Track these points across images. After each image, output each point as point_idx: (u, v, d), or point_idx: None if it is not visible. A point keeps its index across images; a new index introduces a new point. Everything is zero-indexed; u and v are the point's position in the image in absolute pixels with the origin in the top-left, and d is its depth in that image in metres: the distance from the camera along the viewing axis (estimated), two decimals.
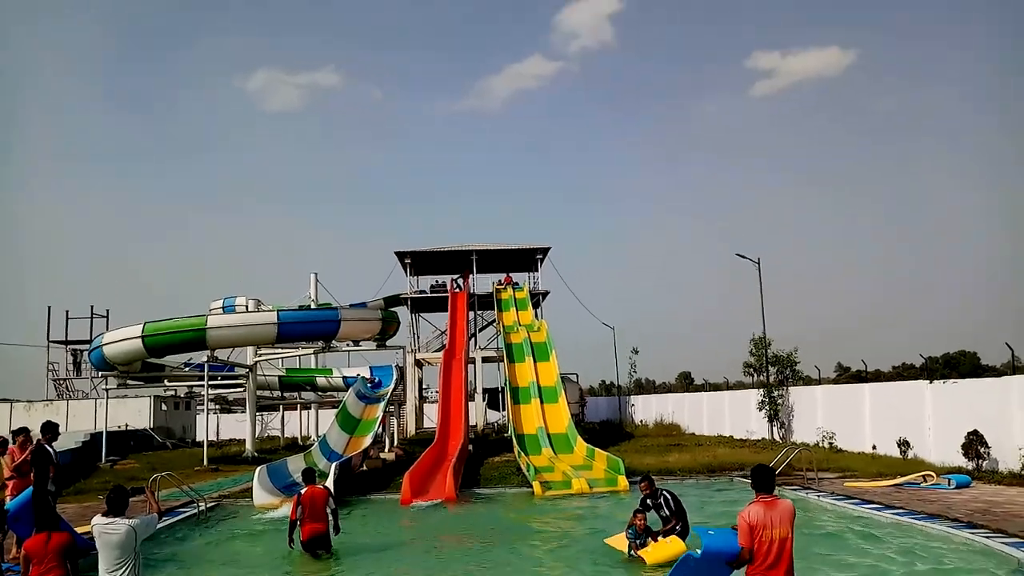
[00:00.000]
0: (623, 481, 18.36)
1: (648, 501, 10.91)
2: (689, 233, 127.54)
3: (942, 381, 20.37)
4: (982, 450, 17.94)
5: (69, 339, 43.05)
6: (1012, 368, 21.37)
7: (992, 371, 40.11)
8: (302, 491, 11.51)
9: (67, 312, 43.53)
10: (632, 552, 10.55)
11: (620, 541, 10.93)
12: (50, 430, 10.15)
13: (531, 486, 18.34)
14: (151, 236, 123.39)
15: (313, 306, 36.77)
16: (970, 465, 18.02)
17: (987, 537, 10.70)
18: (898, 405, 21.80)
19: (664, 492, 10.89)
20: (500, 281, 42.92)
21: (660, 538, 10.51)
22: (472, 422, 35.18)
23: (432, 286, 44.39)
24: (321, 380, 38.24)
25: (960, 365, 49.22)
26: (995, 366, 46.45)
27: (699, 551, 6.47)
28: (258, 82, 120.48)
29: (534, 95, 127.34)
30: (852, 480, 17.54)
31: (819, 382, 30.05)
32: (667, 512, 10.65)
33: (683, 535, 10.42)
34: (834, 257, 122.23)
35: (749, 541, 6.25)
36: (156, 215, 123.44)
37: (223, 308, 31.76)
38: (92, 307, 43.53)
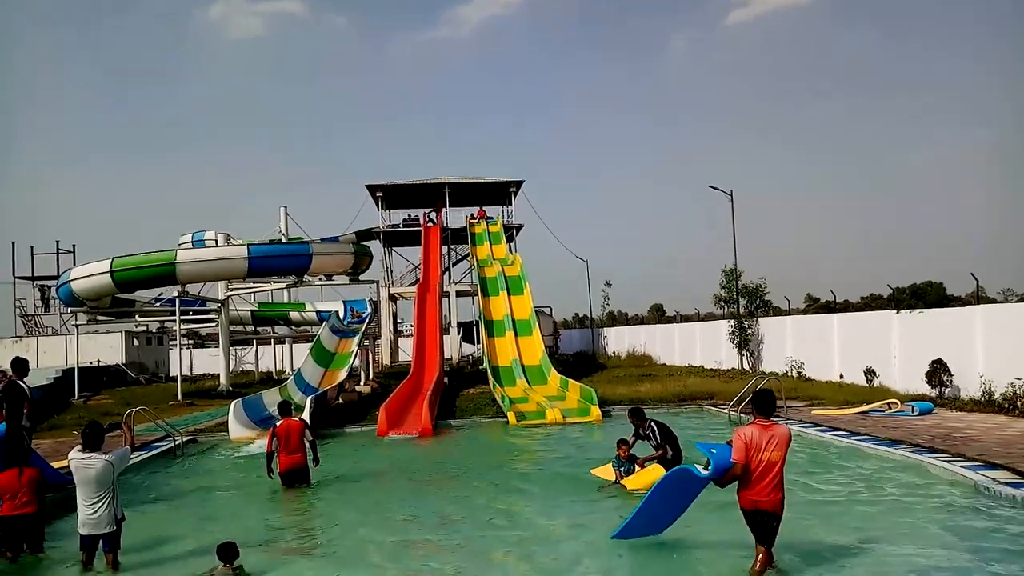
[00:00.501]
0: (596, 411, 18.68)
1: (639, 431, 11.09)
2: (663, 167, 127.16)
3: (908, 311, 20.77)
4: (945, 378, 18.44)
5: (36, 275, 42.26)
6: (976, 298, 21.85)
7: (957, 301, 41.01)
8: (278, 423, 11.55)
9: (32, 248, 42.64)
10: (618, 480, 10.80)
11: (607, 471, 11.15)
12: (20, 367, 10.01)
13: (506, 417, 18.58)
14: (116, 170, 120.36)
15: (284, 240, 36.34)
16: (933, 392, 18.55)
17: (947, 461, 11.08)
18: (865, 335, 22.24)
19: (652, 422, 11.06)
20: (473, 215, 42.59)
21: (647, 465, 10.74)
22: (447, 355, 35.40)
23: (405, 220, 43.98)
24: (294, 314, 38.14)
25: (927, 296, 50.22)
26: (960, 296, 47.57)
27: (701, 467, 6.84)
28: (220, 10, 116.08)
29: (506, 23, 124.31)
30: (820, 408, 17.98)
31: (788, 313, 30.53)
32: (655, 441, 10.86)
33: (675, 462, 10.62)
34: (807, 190, 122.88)
35: (743, 458, 6.54)
36: (120, 148, 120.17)
37: (192, 243, 31.25)
38: (58, 242, 42.67)
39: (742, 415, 17.24)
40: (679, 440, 11.07)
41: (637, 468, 10.77)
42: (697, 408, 19.81)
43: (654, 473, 10.42)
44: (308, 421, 12.56)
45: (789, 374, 25.16)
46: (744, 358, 29.46)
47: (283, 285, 32.75)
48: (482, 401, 22.30)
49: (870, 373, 21.63)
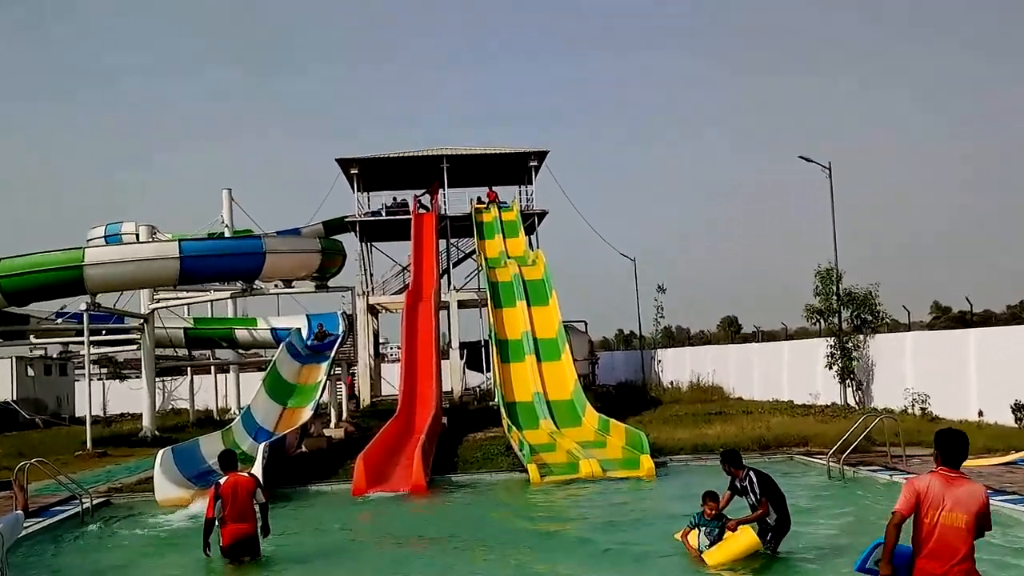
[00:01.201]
0: (647, 463, 18.51)
1: (734, 483, 11.02)
2: (729, 135, 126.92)
3: None
4: None
5: None
6: None
7: None
8: (221, 481, 11.51)
9: None
10: (698, 550, 10.71)
11: (693, 537, 11.06)
12: None
13: (526, 470, 18.48)
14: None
15: (228, 234, 36.44)
16: None
17: None
18: (1015, 358, 21.95)
19: (751, 471, 10.97)
20: (481, 198, 42.64)
21: (739, 528, 10.65)
22: (447, 387, 35.30)
23: (389, 206, 44.13)
24: (242, 333, 38.23)
25: None
26: None
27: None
28: None
29: None
30: None
31: (908, 328, 30.23)
32: (754, 498, 10.77)
33: (780, 528, 10.54)
34: (932, 163, 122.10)
35: (908, 509, 6.60)
36: (6, 112, 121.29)
37: (105, 238, 31.47)
38: None
39: (845, 467, 17.03)
40: (784, 496, 10.93)
41: (728, 531, 10.68)
42: (784, 458, 19.59)
43: (744, 540, 10.32)
44: (260, 477, 12.51)
45: (909, 411, 24.87)
46: (848, 390, 29.21)
47: (227, 294, 32.83)
48: (493, 449, 22.21)
49: (1020, 409, 21.32)
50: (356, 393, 39.65)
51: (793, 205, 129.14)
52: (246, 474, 11.87)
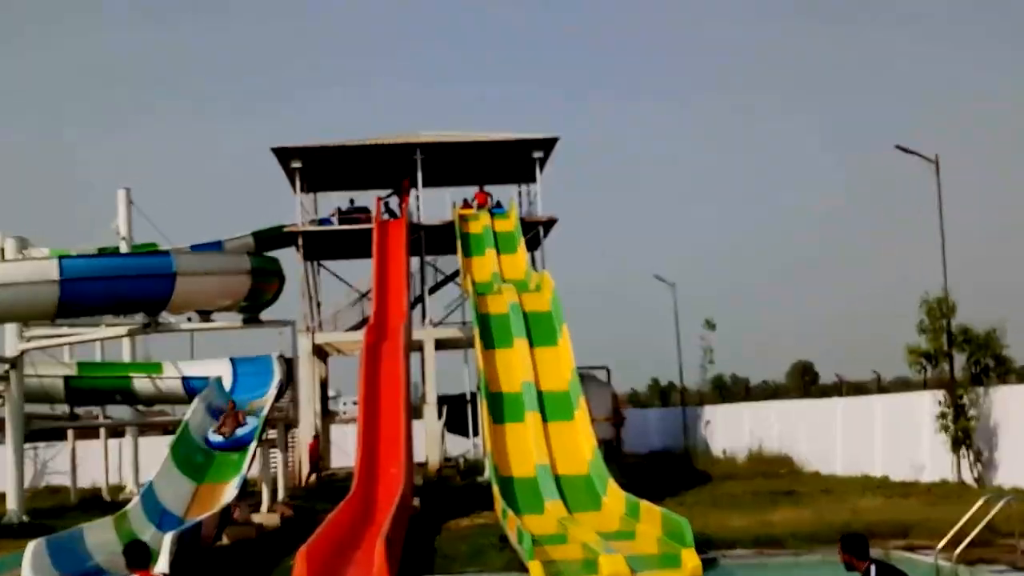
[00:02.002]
0: (691, 559, 18.44)
1: None
2: (789, 122, 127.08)
3: None
4: None
5: None
6: None
7: None
8: None
9: None
10: None
11: None
12: None
13: (526, 570, 18.46)
14: None
15: (125, 249, 36.41)
16: None
17: None
18: None
19: (875, 563, 11.03)
20: (468, 200, 42.77)
21: None
22: (419, 457, 35.21)
23: (343, 211, 44.12)
24: (143, 384, 38.02)
25: None
26: None
27: None
28: None
29: None
30: None
31: None
32: None
33: None
34: None
35: None
36: None
37: None
38: None
39: (960, 567, 17.03)
40: None
41: None
42: (879, 553, 19.61)
43: None
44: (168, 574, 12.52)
45: None
46: (963, 461, 29.14)
47: (123, 331, 32.80)
48: (483, 541, 22.16)
49: None
50: (292, 465, 39.53)
51: (889, 213, 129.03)
52: (155, 573, 11.84)
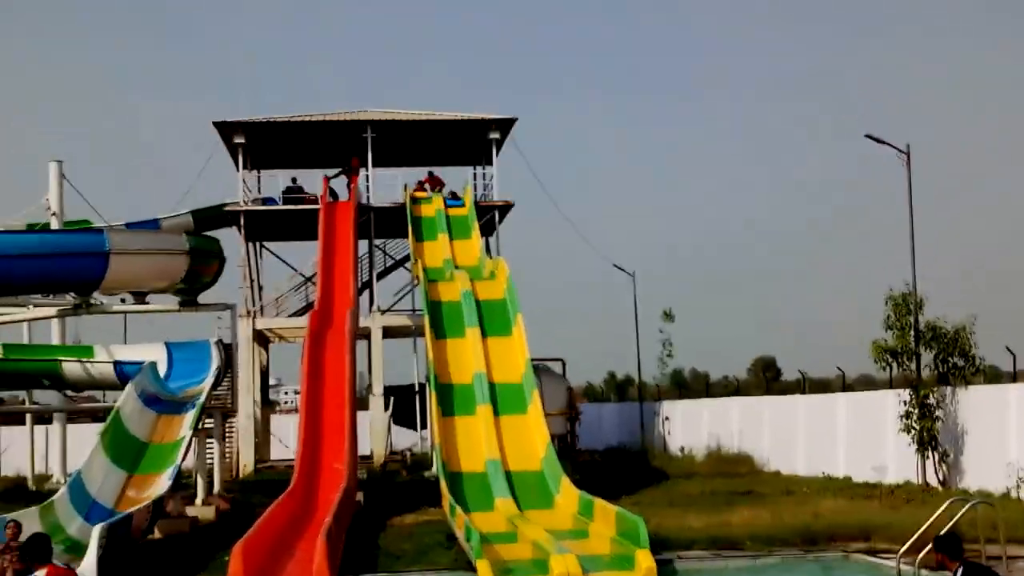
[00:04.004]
0: (646, 560, 18.42)
1: None
2: (755, 110, 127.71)
3: None
4: None
5: None
6: None
7: None
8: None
9: None
10: None
11: None
12: None
13: (474, 568, 18.41)
14: None
15: (56, 225, 36.06)
16: None
17: None
18: None
19: (964, 563, 11.04)
20: (420, 182, 42.72)
21: None
22: (364, 450, 35.12)
23: (287, 189, 43.93)
24: (72, 368, 37.68)
25: None
26: None
27: None
28: None
29: None
30: None
31: (1014, 378, 30.41)
32: None
33: None
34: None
35: None
36: None
37: None
38: None
39: (923, 572, 17.09)
40: None
41: None
42: (839, 555, 19.71)
43: None
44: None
45: (1012, 494, 25.05)
46: (928, 462, 29.30)
47: (52, 311, 32.51)
48: (429, 539, 22.22)
49: None
50: (229, 456, 39.29)
51: (857, 204, 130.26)
52: (64, 567, 11.62)
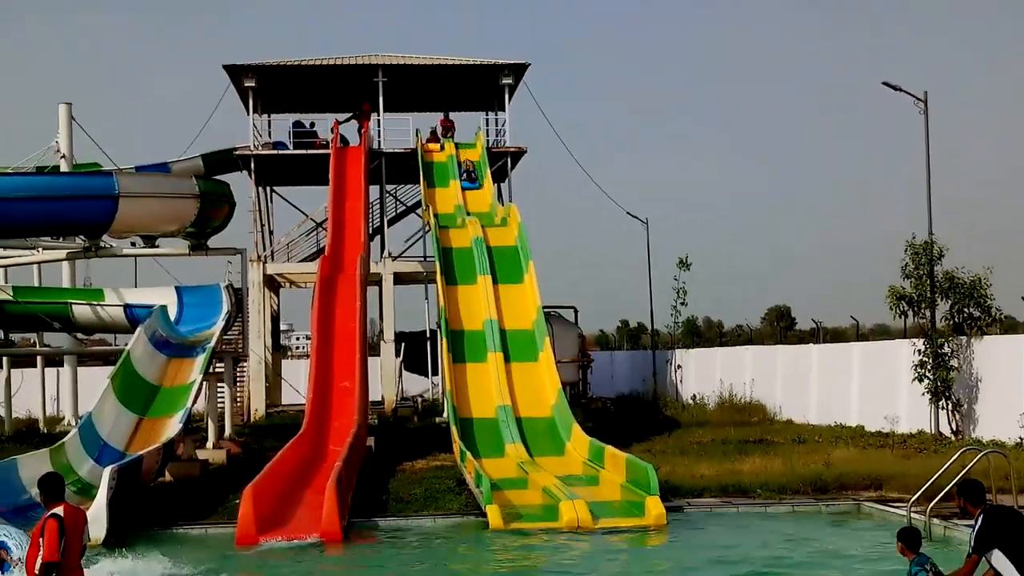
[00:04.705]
0: (656, 507, 18.54)
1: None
2: (772, 54, 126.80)
3: None
4: None
5: None
6: None
7: None
8: (54, 514, 11.37)
9: None
10: None
11: None
12: None
13: (484, 515, 18.55)
14: None
15: (65, 168, 35.98)
16: None
17: None
18: None
19: (986, 509, 11.11)
20: (434, 128, 42.52)
21: None
22: (375, 395, 35.14)
23: (297, 133, 43.73)
24: (82, 311, 37.74)
25: None
26: None
27: None
28: None
29: None
30: None
31: None
32: (969, 547, 10.94)
33: None
34: None
35: None
36: None
37: None
38: None
39: (935, 521, 17.13)
40: None
41: None
42: (850, 505, 19.71)
43: None
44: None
45: None
46: (942, 412, 29.26)
47: (62, 254, 32.51)
48: (439, 484, 22.21)
49: None
50: (240, 400, 39.44)
51: (873, 154, 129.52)
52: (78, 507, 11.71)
